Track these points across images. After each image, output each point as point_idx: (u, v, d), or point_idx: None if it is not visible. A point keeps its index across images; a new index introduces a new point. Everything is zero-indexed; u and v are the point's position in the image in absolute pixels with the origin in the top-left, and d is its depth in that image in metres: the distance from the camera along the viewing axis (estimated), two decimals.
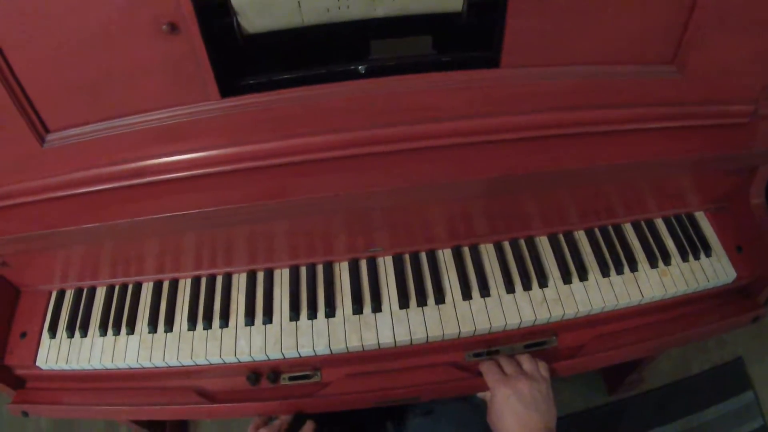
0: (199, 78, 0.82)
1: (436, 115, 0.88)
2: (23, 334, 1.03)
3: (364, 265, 1.02)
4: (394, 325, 0.95)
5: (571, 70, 0.87)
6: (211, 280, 1.03)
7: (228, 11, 0.78)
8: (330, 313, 0.97)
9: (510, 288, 0.99)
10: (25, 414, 1.01)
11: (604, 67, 0.88)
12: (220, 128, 0.86)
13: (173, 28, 0.76)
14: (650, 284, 1.00)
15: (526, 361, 0.94)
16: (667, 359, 1.81)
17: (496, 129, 0.89)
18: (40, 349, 1.01)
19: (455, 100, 0.87)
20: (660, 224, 1.07)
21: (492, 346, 1.00)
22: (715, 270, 1.02)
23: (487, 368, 0.94)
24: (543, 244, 1.04)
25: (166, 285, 1.04)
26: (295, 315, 0.98)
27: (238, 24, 0.80)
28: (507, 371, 0.93)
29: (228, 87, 0.84)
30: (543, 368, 0.94)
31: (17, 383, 1.04)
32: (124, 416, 1.03)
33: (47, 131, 0.87)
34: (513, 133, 0.89)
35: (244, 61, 0.88)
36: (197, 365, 0.97)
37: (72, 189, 0.91)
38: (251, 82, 0.86)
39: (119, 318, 1.01)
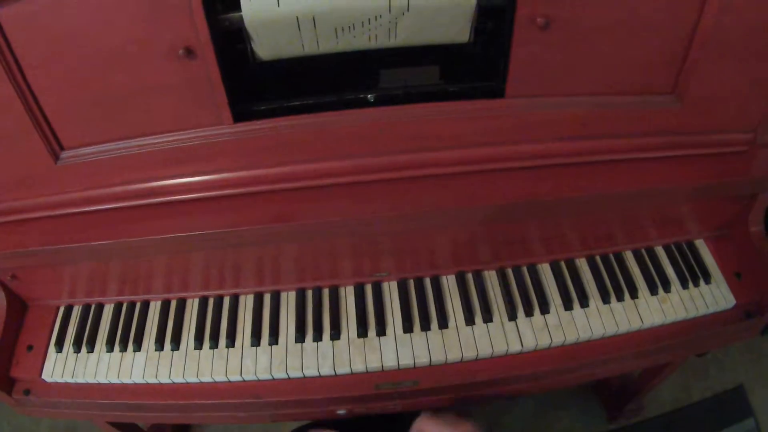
0: (213, 102, 0.83)
1: (442, 144, 0.89)
2: (30, 347, 1.03)
3: (369, 290, 1.03)
4: (398, 349, 0.96)
5: (574, 100, 0.89)
6: (219, 300, 1.04)
7: (242, 38, 0.80)
8: (335, 335, 0.98)
9: (512, 314, 0.99)
10: (27, 392, 1.00)
11: (606, 97, 0.90)
12: (231, 152, 0.88)
13: (189, 52, 0.78)
14: (650, 311, 1.00)
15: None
16: (668, 387, 1.80)
17: (501, 158, 0.90)
18: (46, 363, 1.01)
19: (461, 129, 0.89)
20: (660, 252, 1.08)
21: None
22: (714, 297, 1.03)
23: None
24: (545, 271, 1.05)
25: (173, 304, 1.04)
26: (300, 337, 0.98)
27: (252, 50, 0.82)
28: None
29: (241, 112, 0.86)
30: None
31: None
32: (127, 419, 1.02)
33: (62, 149, 0.89)
34: (517, 162, 0.91)
35: (257, 87, 0.89)
36: (202, 383, 0.98)
37: (84, 206, 0.92)
38: (263, 107, 0.88)
39: (126, 335, 1.02)
